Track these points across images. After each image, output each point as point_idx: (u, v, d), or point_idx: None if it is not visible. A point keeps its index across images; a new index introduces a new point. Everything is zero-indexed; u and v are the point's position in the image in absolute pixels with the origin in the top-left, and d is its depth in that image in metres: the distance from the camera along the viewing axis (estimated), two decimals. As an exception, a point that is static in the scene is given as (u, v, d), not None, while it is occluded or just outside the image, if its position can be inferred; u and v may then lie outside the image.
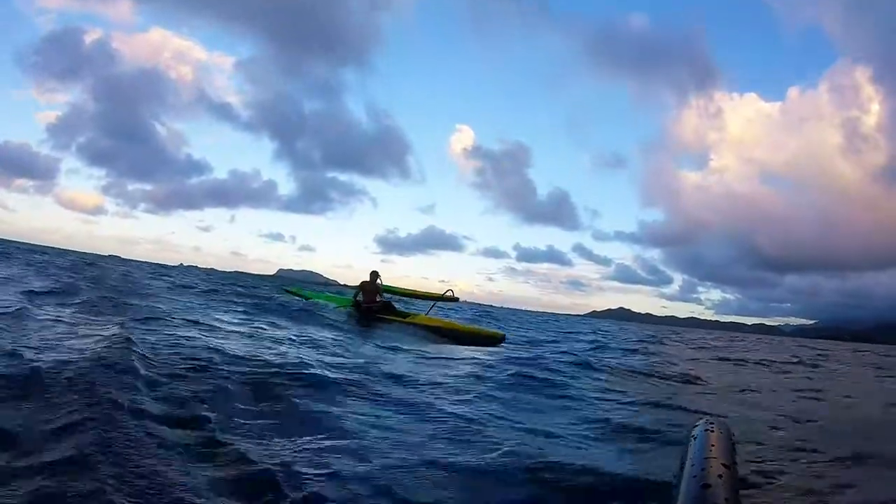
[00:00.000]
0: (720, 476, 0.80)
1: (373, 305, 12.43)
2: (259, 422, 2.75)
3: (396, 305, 12.84)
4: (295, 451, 2.31)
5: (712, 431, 1.01)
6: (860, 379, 9.21)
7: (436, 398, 3.91)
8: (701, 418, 1.11)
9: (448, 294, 12.98)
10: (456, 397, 4.03)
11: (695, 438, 0.98)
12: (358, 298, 12.93)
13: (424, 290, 14.22)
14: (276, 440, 2.44)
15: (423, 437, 2.82)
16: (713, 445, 0.93)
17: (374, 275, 12.82)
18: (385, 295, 12.85)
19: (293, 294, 16.32)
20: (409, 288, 14.24)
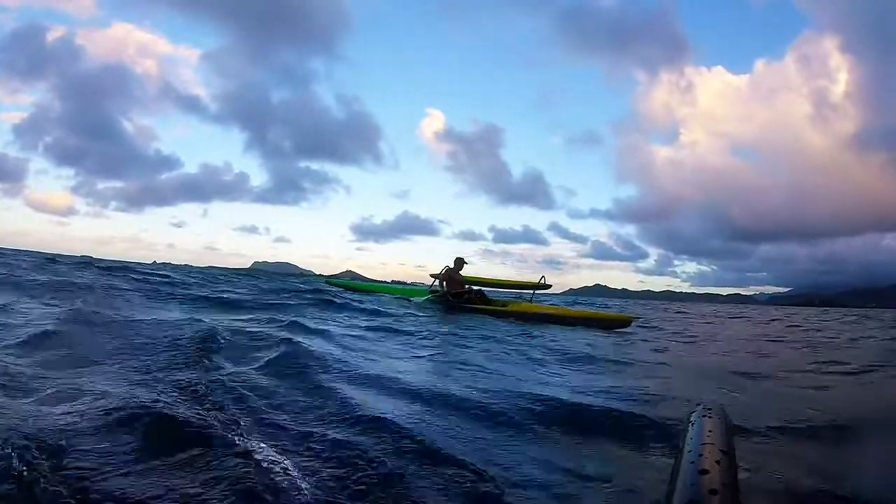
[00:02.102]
0: (718, 462, 0.82)
1: (464, 295, 11.38)
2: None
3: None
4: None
5: (710, 417, 1.02)
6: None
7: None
8: (699, 404, 1.12)
9: (542, 281, 11.98)
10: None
11: (692, 424, 1.00)
12: (434, 288, 12.17)
13: (511, 279, 13.15)
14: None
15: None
16: (710, 431, 0.95)
17: (460, 262, 11.81)
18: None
19: (340, 287, 15.64)
20: (494, 277, 13.06)
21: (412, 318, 8.56)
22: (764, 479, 1.98)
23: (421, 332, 6.51)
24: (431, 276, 12.62)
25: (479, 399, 2.87)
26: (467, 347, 5.54)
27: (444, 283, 11.67)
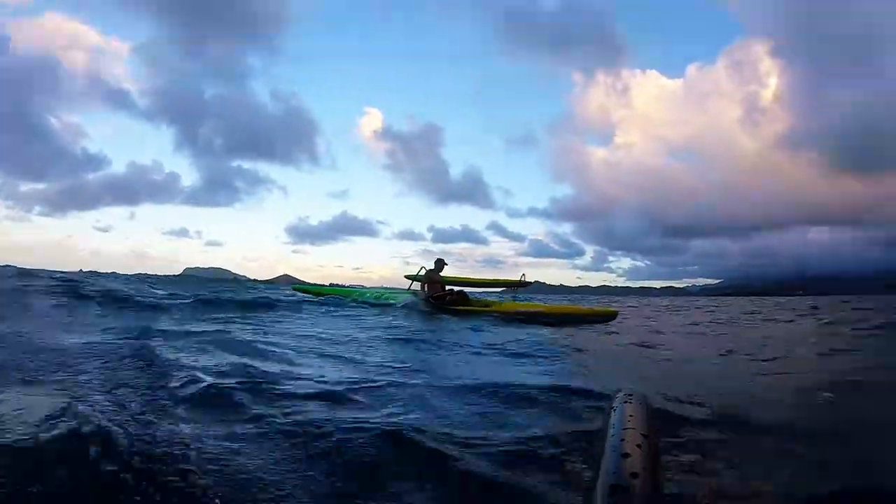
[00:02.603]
0: (639, 445, 0.84)
1: (446, 297, 11.15)
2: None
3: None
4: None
5: (630, 403, 1.05)
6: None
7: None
8: (620, 390, 1.15)
9: (523, 279, 12.08)
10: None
11: (614, 410, 1.02)
12: (412, 291, 11.96)
13: (492, 278, 12.98)
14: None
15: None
16: (631, 416, 0.97)
17: (441, 263, 11.59)
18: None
19: (312, 293, 14.15)
20: (473, 277, 12.78)
21: (398, 324, 8.04)
22: (685, 461, 2.04)
23: (402, 336, 6.29)
24: (406, 277, 12.41)
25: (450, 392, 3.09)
26: (445, 350, 5.47)
27: (425, 285, 11.48)
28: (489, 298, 11.98)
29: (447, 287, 11.46)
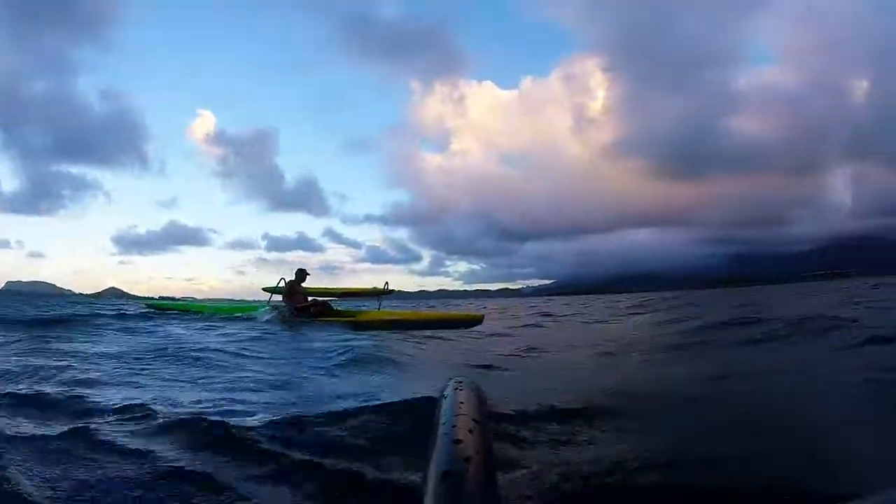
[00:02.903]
0: (470, 431, 0.82)
1: (310, 308, 10.97)
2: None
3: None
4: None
5: (461, 390, 1.03)
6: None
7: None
8: (451, 378, 1.13)
9: (386, 287, 11.75)
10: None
11: (446, 398, 1.00)
12: (275, 304, 11.60)
13: (355, 287, 12.69)
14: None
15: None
16: (462, 403, 0.95)
17: (302, 273, 11.42)
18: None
19: (165, 310, 13.42)
20: (334, 287, 12.59)
21: (259, 339, 7.38)
22: (515, 446, 2.22)
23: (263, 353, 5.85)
24: (265, 290, 12.10)
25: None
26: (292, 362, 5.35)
27: (287, 296, 11.27)
28: (356, 308, 11.99)
29: (310, 298, 11.32)
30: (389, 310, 11.92)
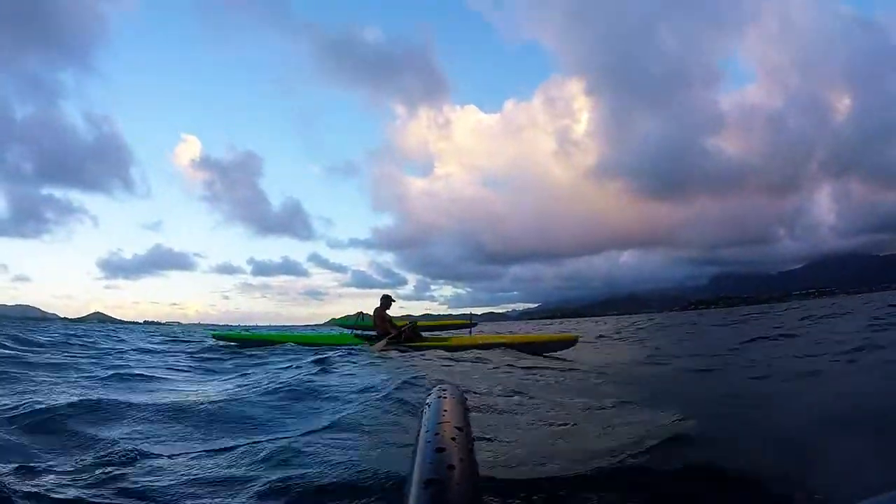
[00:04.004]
0: (454, 439, 0.81)
1: (400, 334, 10.42)
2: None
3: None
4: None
5: (445, 398, 1.02)
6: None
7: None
8: (434, 385, 1.11)
9: (471, 318, 12.22)
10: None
11: (429, 406, 0.98)
12: (359, 334, 11.35)
13: (441, 321, 12.99)
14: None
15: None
16: (446, 410, 0.94)
17: (388, 300, 11.10)
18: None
19: (231, 340, 12.60)
20: (421, 321, 12.60)
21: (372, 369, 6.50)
22: (500, 450, 2.33)
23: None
24: (338, 323, 12.76)
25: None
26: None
27: (376, 324, 10.99)
28: (445, 335, 11.80)
29: (399, 324, 10.98)
30: (477, 334, 11.55)
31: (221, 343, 12.39)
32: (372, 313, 11.23)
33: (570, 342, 9.80)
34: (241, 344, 11.88)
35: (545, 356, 8.75)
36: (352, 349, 9.64)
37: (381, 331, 10.81)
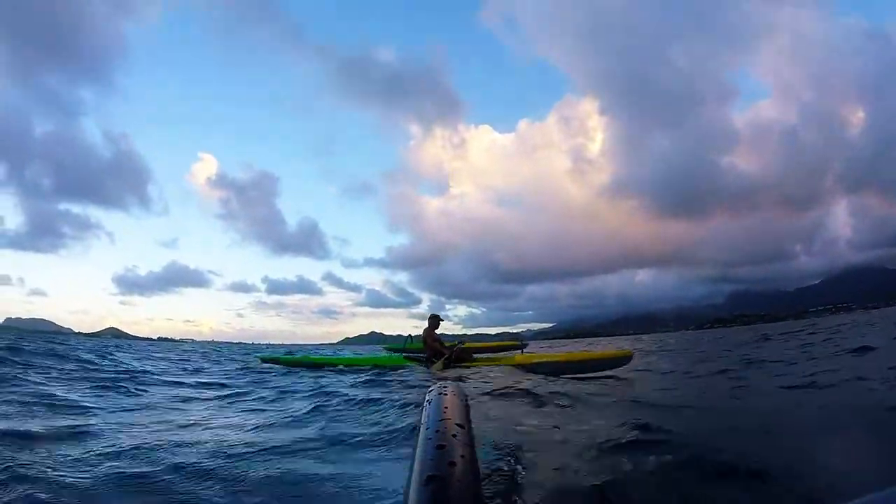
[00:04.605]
0: (455, 436, 0.84)
1: (451, 354, 10.22)
2: None
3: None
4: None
5: (445, 395, 1.06)
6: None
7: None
8: (436, 383, 1.19)
9: (522, 341, 12.54)
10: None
11: (430, 403, 1.02)
12: (408, 355, 11.21)
13: (490, 343, 12.97)
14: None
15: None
16: (447, 408, 0.97)
17: (436, 319, 11.06)
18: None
19: (277, 362, 12.32)
20: (470, 343, 12.37)
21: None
22: (500, 449, 2.32)
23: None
24: (388, 349, 12.72)
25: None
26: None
27: (430, 343, 10.82)
28: (494, 355, 11.60)
29: (448, 344, 10.85)
30: (529, 353, 11.23)
31: (266, 365, 12.20)
32: (422, 334, 11.12)
33: (624, 359, 9.47)
34: (291, 367, 11.55)
35: (593, 375, 8.70)
36: (408, 370, 9.59)
37: (431, 351, 10.72)
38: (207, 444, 2.96)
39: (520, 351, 11.57)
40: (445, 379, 7.75)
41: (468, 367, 9.71)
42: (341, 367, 10.90)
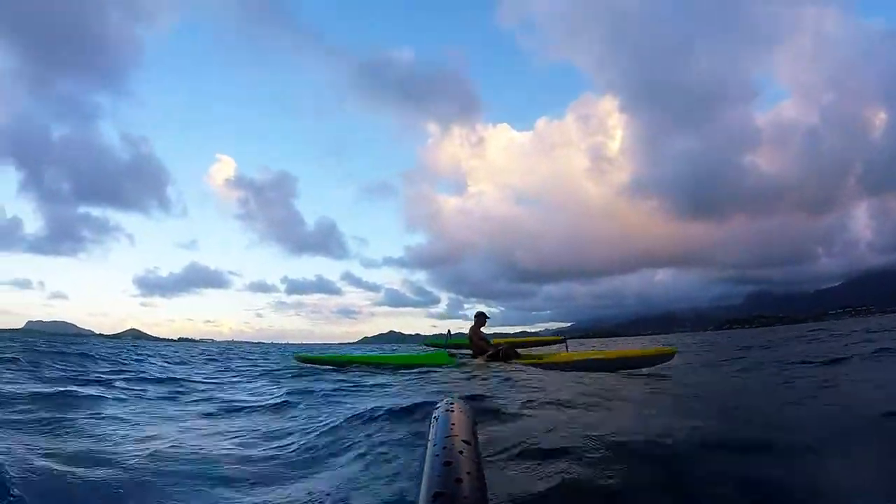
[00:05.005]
0: (461, 452, 0.84)
1: (498, 352, 10.27)
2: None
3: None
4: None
5: (452, 411, 1.06)
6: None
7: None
8: (443, 400, 1.17)
9: (564, 337, 12.67)
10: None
11: (436, 420, 1.02)
12: (452, 352, 11.13)
13: (532, 338, 13.09)
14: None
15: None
16: (454, 424, 0.98)
17: (483, 317, 11.13)
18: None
19: (315, 362, 11.50)
20: (512, 338, 12.55)
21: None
22: (507, 464, 2.18)
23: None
24: (430, 343, 12.48)
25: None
26: None
27: (476, 341, 10.87)
28: (539, 351, 11.66)
29: (492, 342, 10.90)
30: (572, 351, 11.10)
31: (307, 365, 11.27)
32: (468, 332, 11.07)
33: (667, 356, 9.47)
34: (334, 367, 10.76)
35: (632, 372, 8.77)
36: (465, 366, 9.30)
37: (477, 349, 10.70)
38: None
39: (565, 347, 11.52)
40: (493, 367, 8.86)
41: (516, 363, 9.65)
42: (390, 366, 10.18)
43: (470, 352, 11.14)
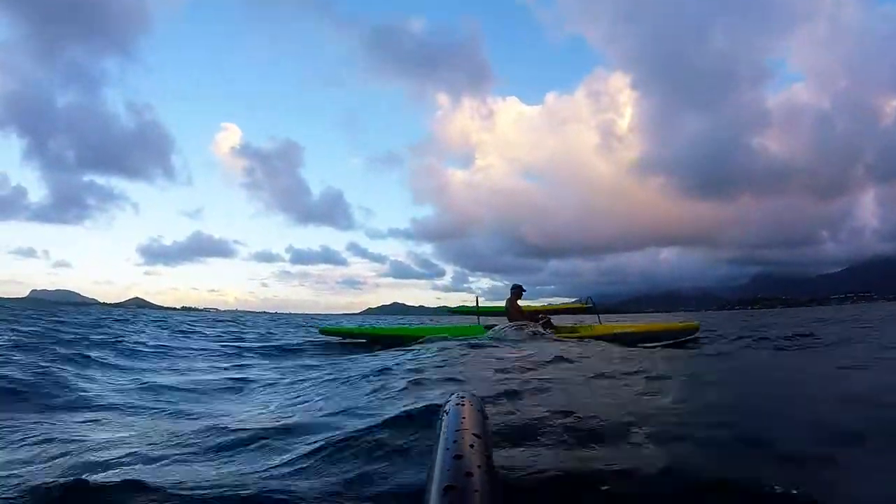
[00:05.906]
0: (472, 446, 0.85)
1: (538, 322, 10.51)
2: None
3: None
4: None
5: (463, 405, 1.04)
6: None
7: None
8: (453, 393, 1.14)
9: (590, 301, 12.09)
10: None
11: (447, 413, 1.02)
12: (489, 324, 10.72)
13: (560, 305, 12.75)
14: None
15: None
16: (464, 418, 0.96)
17: (519, 289, 11.30)
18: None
19: (341, 334, 11.35)
20: (540, 305, 12.47)
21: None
22: (518, 458, 2.06)
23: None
24: (456, 311, 12.35)
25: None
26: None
27: (511, 313, 11.05)
28: (573, 324, 11.87)
29: (528, 313, 11.11)
30: (608, 323, 11.51)
31: (332, 338, 11.11)
32: (505, 304, 11.25)
33: (692, 330, 10.26)
34: (370, 340, 10.69)
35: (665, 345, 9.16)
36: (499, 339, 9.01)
37: (515, 320, 10.72)
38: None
39: (597, 319, 11.65)
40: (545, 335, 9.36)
41: (555, 336, 9.69)
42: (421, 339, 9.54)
43: (496, 323, 10.90)
